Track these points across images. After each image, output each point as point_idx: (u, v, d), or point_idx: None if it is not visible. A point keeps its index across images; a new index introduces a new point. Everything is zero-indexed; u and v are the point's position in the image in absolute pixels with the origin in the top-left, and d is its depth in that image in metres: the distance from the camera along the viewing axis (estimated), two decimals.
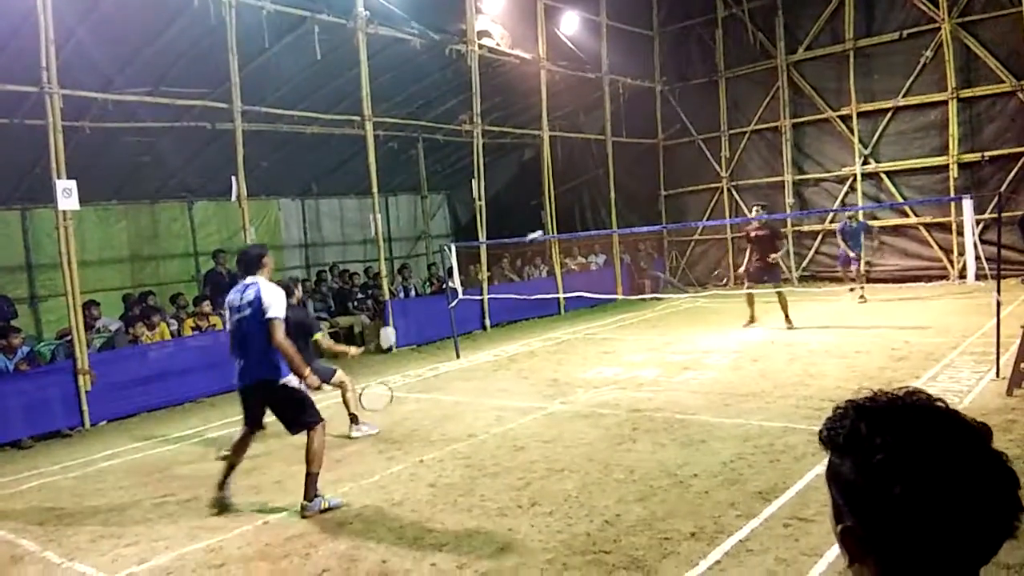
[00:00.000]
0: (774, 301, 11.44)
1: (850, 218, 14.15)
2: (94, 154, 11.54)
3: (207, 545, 4.82)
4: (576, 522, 4.66)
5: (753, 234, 11.58)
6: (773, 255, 11.50)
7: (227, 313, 5.59)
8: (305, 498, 5.22)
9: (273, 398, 5.40)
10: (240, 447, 5.59)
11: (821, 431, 1.02)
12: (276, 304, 5.34)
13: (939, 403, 0.98)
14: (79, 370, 8.75)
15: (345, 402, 7.33)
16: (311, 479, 5.24)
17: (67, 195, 8.63)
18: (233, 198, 10.54)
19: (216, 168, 12.83)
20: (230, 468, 5.54)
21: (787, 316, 11.28)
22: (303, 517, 5.15)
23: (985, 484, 0.90)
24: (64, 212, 8.73)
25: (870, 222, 15.57)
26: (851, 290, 14.09)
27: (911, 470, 0.91)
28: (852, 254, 13.88)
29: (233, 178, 10.44)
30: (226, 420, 8.48)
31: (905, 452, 0.92)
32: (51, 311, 12.57)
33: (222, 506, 5.42)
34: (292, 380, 5.38)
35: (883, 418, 0.96)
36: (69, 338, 9.00)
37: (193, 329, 10.53)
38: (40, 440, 8.37)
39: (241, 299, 5.39)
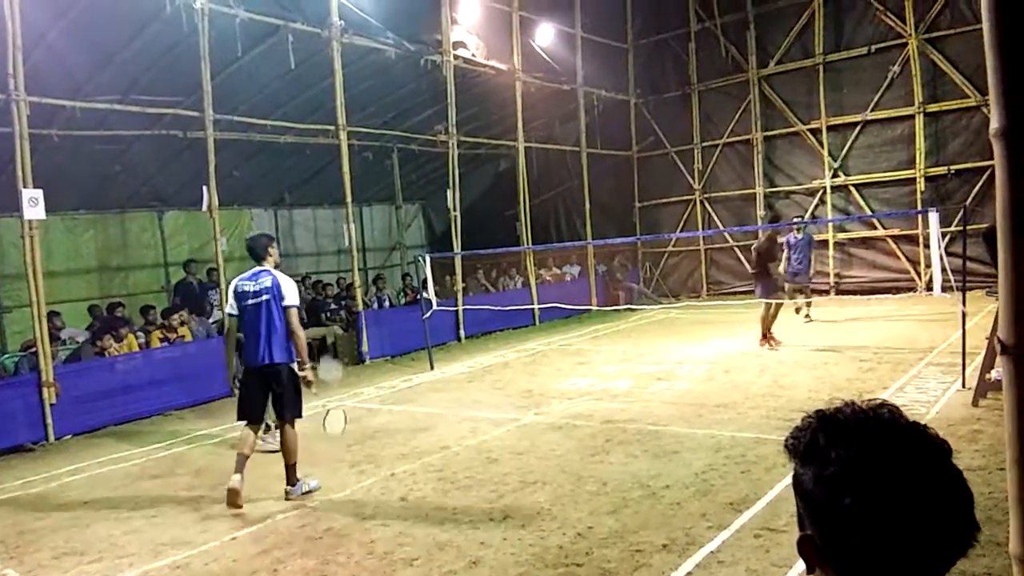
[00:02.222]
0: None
1: (797, 230, 12.78)
2: (62, 162, 11.33)
3: (172, 561, 4.73)
4: (548, 535, 4.65)
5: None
6: (772, 265, 11.06)
7: (233, 299, 5.92)
8: (288, 484, 5.73)
9: (282, 381, 5.79)
10: (251, 444, 5.82)
11: (787, 439, 1.04)
12: (293, 292, 5.89)
13: (903, 418, 0.98)
14: (43, 383, 8.56)
15: None
16: (291, 468, 5.76)
17: (33, 204, 8.48)
18: (204, 208, 10.42)
19: (187, 177, 12.67)
20: (242, 461, 5.69)
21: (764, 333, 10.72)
22: (287, 499, 5.66)
23: (937, 501, 0.91)
24: (30, 221, 8.55)
25: (839, 235, 15.66)
26: (797, 310, 12.79)
27: (861, 484, 0.92)
28: (797, 267, 12.52)
29: (204, 188, 10.32)
30: (196, 433, 8.37)
31: (856, 466, 0.93)
32: (16, 322, 12.31)
33: (234, 493, 5.54)
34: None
35: (841, 431, 0.97)
36: (34, 350, 8.80)
37: (161, 341, 10.36)
38: (2, 455, 8.15)
39: (256, 285, 5.81)
